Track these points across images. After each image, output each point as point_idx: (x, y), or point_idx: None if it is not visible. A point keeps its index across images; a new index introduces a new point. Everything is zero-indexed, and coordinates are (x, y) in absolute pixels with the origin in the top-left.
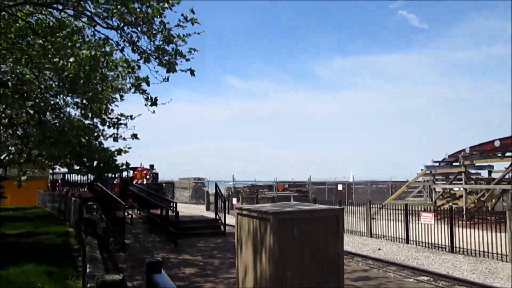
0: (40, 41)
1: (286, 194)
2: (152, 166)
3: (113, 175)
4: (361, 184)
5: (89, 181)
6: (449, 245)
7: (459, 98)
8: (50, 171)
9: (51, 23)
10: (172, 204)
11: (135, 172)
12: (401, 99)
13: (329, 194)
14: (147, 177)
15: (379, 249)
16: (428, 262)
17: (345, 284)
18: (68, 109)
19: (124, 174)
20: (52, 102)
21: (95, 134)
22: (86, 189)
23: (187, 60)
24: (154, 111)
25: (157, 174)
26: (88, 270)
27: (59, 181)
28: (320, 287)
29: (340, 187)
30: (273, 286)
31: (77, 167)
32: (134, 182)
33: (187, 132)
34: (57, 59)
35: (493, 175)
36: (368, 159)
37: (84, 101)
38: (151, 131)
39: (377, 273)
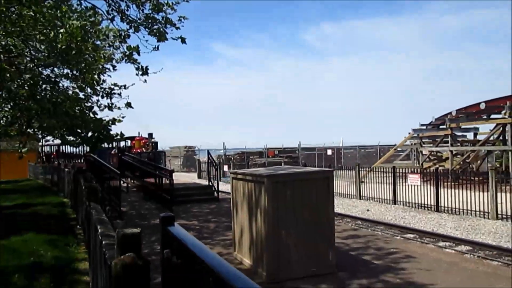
0: (31, 13)
1: (277, 160)
2: (150, 135)
3: (110, 145)
4: (350, 149)
5: (85, 152)
6: (435, 204)
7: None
8: (40, 144)
9: None
10: (166, 172)
11: (133, 142)
12: (390, 64)
13: (318, 159)
14: (147, 146)
15: (368, 210)
16: (414, 221)
17: (336, 242)
18: (61, 81)
19: (122, 144)
20: (45, 74)
21: (89, 104)
22: (82, 160)
23: (177, 28)
24: (145, 80)
25: (156, 143)
26: (100, 230)
27: (54, 153)
28: (312, 243)
29: (329, 152)
30: (268, 243)
31: (71, 138)
32: (133, 151)
33: (177, 100)
34: (47, 31)
35: (479, 137)
36: (357, 124)
37: (76, 72)
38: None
39: (366, 232)
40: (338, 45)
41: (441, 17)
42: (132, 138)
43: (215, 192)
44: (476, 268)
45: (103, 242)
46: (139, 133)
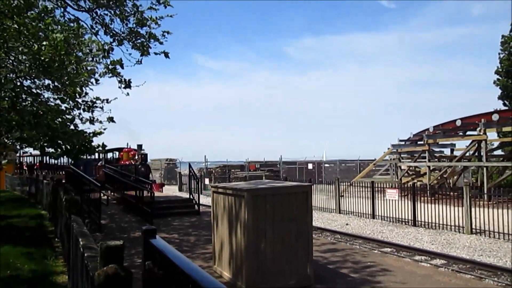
0: (15, 25)
1: (258, 174)
2: (140, 147)
3: (96, 157)
4: (331, 163)
5: (69, 163)
6: (412, 219)
7: (425, 78)
8: (18, 155)
9: (17, 3)
10: (147, 185)
11: (121, 153)
12: (370, 79)
13: (299, 173)
14: (136, 158)
15: (347, 224)
16: (392, 235)
17: (315, 255)
18: (43, 93)
19: (109, 155)
20: (26, 86)
21: (70, 117)
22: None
23: (161, 43)
24: (128, 94)
25: (146, 155)
26: (81, 242)
27: (37, 164)
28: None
29: (310, 166)
30: (248, 256)
31: (51, 150)
32: (121, 163)
33: (158, 113)
34: (31, 43)
35: (455, 152)
36: (339, 139)
37: (58, 85)
38: (126, 112)
39: (344, 245)
40: (318, 58)
41: (418, 33)
42: (120, 150)
43: (196, 205)
44: (448, 281)
45: (85, 254)
46: (127, 144)
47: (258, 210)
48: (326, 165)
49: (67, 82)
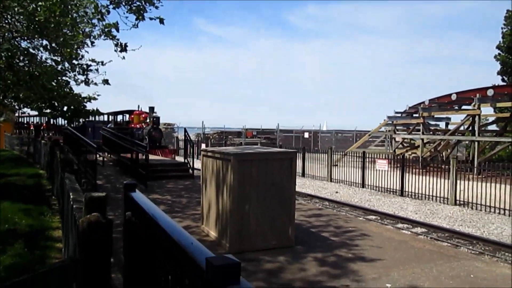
0: None
1: (254, 141)
2: (152, 109)
3: (106, 119)
4: (328, 133)
5: (76, 125)
6: (400, 189)
7: (428, 51)
8: (16, 115)
9: None
10: (142, 148)
11: (132, 116)
12: (373, 50)
13: (296, 141)
14: (147, 121)
15: (337, 192)
16: (378, 203)
17: (300, 220)
18: (39, 54)
19: (119, 118)
20: (23, 47)
21: (66, 79)
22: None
23: (156, 7)
24: (124, 57)
25: (158, 118)
26: (71, 196)
27: (44, 124)
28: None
29: (306, 135)
30: (232, 217)
31: (48, 111)
32: (132, 127)
33: (157, 76)
34: (27, 3)
35: (450, 126)
36: (341, 108)
37: (55, 46)
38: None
39: (330, 212)
40: (321, 27)
41: (425, 5)
42: (130, 112)
43: (190, 169)
44: (423, 246)
45: (74, 206)
46: (138, 106)
47: (244, 174)
48: (323, 134)
49: (62, 44)
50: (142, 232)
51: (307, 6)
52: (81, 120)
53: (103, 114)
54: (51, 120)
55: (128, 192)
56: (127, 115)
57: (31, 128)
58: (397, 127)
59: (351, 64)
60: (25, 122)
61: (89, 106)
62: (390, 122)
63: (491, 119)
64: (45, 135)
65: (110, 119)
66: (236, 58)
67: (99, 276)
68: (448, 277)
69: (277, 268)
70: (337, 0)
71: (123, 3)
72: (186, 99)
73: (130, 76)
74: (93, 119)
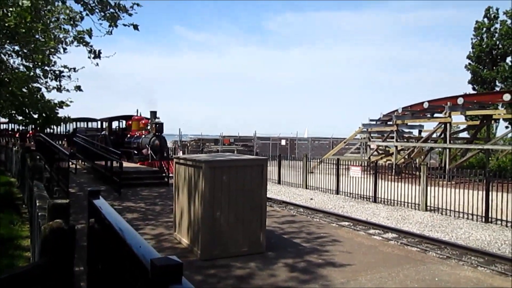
0: None
1: (231, 148)
2: (154, 114)
3: (99, 126)
4: (305, 140)
5: (65, 132)
6: (373, 196)
7: (402, 59)
8: None
9: None
10: (116, 155)
11: (129, 122)
12: (348, 58)
13: (273, 149)
14: (148, 128)
15: (311, 199)
16: (352, 210)
17: (273, 226)
18: (10, 60)
19: (114, 125)
20: None
21: (37, 85)
22: (62, 141)
23: (130, 14)
24: (97, 64)
25: (161, 125)
26: (38, 204)
27: (31, 131)
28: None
29: (283, 142)
30: (204, 224)
31: (20, 118)
32: (130, 135)
33: (134, 83)
34: None
35: (423, 134)
36: (322, 115)
37: (26, 51)
38: (96, 82)
39: (304, 218)
40: (299, 35)
41: (400, 14)
42: (128, 118)
43: (166, 177)
44: (391, 251)
45: (39, 214)
46: (137, 111)
47: (215, 181)
48: (300, 141)
49: (33, 50)
50: (103, 238)
51: (284, 15)
52: (71, 126)
53: (96, 120)
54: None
55: (91, 199)
56: (124, 121)
57: (16, 135)
58: (372, 135)
59: (328, 71)
60: (9, 129)
61: (62, 112)
62: (365, 129)
63: (462, 126)
64: (32, 143)
65: (104, 126)
66: (215, 64)
67: (62, 282)
68: (414, 280)
69: (247, 274)
70: (312, 11)
71: (97, 10)
72: (167, 104)
73: (114, 81)
74: (85, 125)
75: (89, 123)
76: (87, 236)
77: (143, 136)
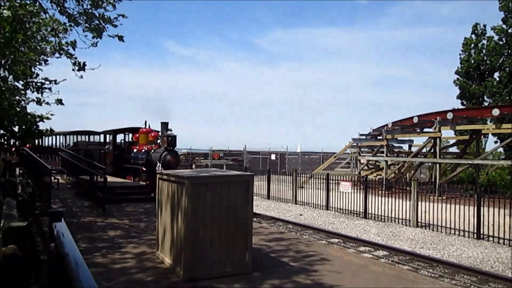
0: None
1: (220, 163)
2: (165, 126)
3: (103, 140)
4: (295, 155)
5: (65, 146)
6: (363, 211)
7: (391, 75)
8: None
9: None
10: (101, 170)
11: (136, 135)
12: (337, 74)
13: (263, 163)
14: (157, 142)
15: (301, 214)
16: (342, 226)
17: (260, 244)
18: None
19: (119, 139)
20: None
21: (17, 98)
22: (56, 156)
23: (115, 26)
24: (81, 76)
25: (174, 138)
26: (2, 224)
27: (28, 144)
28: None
29: (273, 156)
30: (187, 243)
31: (1, 132)
32: (136, 150)
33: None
34: None
35: (413, 148)
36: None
37: (5, 63)
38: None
39: (293, 235)
40: (288, 51)
41: (388, 32)
42: (134, 130)
43: (152, 193)
44: (382, 271)
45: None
46: (145, 122)
47: (198, 198)
48: (290, 156)
49: (12, 61)
50: (61, 266)
51: (274, 31)
52: (71, 140)
53: (98, 133)
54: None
55: (53, 222)
56: (130, 134)
57: (12, 150)
58: (362, 149)
59: (319, 86)
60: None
61: (43, 126)
62: (355, 144)
63: (451, 141)
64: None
65: (108, 139)
66: (204, 79)
67: None
68: None
69: None
70: (299, 27)
71: (82, 21)
72: (155, 118)
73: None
74: (86, 139)
75: (91, 137)
76: (48, 261)
77: (153, 150)
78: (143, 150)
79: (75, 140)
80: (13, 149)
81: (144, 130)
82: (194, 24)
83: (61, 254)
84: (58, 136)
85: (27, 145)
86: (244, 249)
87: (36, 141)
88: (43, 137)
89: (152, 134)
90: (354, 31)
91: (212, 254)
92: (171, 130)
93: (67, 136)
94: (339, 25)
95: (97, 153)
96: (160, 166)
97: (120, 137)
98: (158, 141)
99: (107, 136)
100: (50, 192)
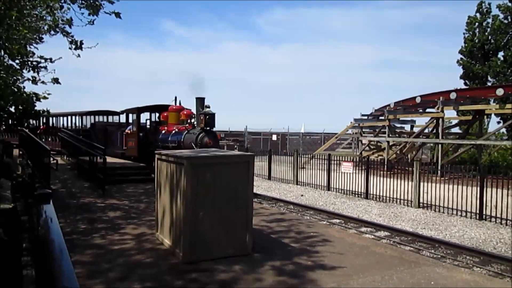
0: None
1: (221, 143)
2: (201, 102)
3: (120, 121)
4: (296, 135)
5: (82, 128)
6: (365, 192)
7: (392, 56)
8: None
9: None
10: (100, 151)
11: (165, 114)
12: (339, 55)
13: (264, 144)
14: (192, 121)
15: (302, 195)
16: (343, 207)
17: (261, 225)
18: None
19: (144, 118)
20: None
21: (14, 77)
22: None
23: (112, 2)
24: (79, 55)
25: (212, 116)
26: None
27: (43, 126)
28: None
29: (274, 137)
30: (186, 225)
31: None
32: (165, 131)
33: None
34: None
35: (415, 129)
36: (316, 110)
37: (1, 41)
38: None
39: (294, 216)
40: (289, 32)
41: (389, 11)
42: (162, 108)
43: (152, 174)
44: (384, 252)
45: None
46: (175, 99)
47: (197, 179)
48: (291, 137)
49: (6, 39)
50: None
51: (274, 11)
52: (88, 121)
53: (118, 113)
54: (48, 121)
55: (41, 204)
56: (157, 113)
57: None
58: (364, 130)
59: (321, 67)
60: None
61: (40, 106)
62: (357, 124)
63: (454, 121)
64: (43, 140)
65: (131, 120)
66: (205, 60)
67: None
68: (409, 284)
69: (231, 278)
70: (301, 7)
71: None
72: (157, 99)
73: (96, 76)
74: (104, 120)
75: (109, 117)
76: (32, 247)
77: (186, 131)
78: (173, 131)
79: (92, 121)
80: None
81: (174, 107)
82: (194, 5)
83: (44, 240)
84: (74, 117)
85: (42, 127)
86: (244, 230)
87: (50, 122)
88: (56, 117)
89: (185, 112)
90: (354, 11)
91: (212, 236)
92: (208, 107)
93: (83, 117)
94: (340, 5)
95: (116, 134)
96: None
97: (144, 117)
98: (192, 120)
99: (130, 115)
100: (49, 173)
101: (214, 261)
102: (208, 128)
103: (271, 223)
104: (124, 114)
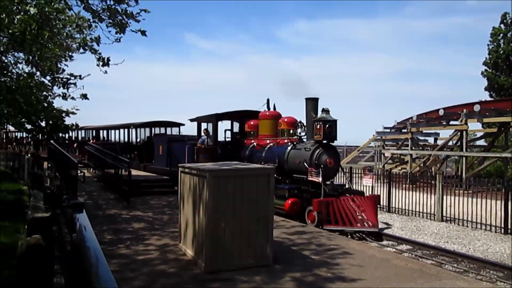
0: None
1: None
2: (314, 104)
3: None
4: None
5: (137, 143)
6: (387, 205)
7: (416, 67)
8: (4, 130)
9: None
10: (125, 164)
11: (252, 122)
12: (363, 66)
13: None
14: (297, 131)
15: None
16: None
17: (281, 237)
18: (16, 68)
19: (224, 127)
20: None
21: (44, 93)
22: (134, 154)
23: (137, 21)
24: (106, 72)
25: (334, 123)
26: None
27: (92, 140)
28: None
29: None
30: (208, 235)
31: (29, 127)
32: (253, 144)
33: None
34: (3, 16)
35: (439, 142)
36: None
37: (34, 59)
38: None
39: (314, 229)
40: (312, 43)
41: (413, 21)
42: (248, 116)
43: (175, 186)
44: (405, 265)
45: (26, 227)
46: (268, 102)
47: (219, 191)
48: None
49: (39, 57)
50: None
51: (296, 23)
52: (144, 134)
53: (182, 124)
54: (88, 135)
55: (75, 213)
56: (237, 123)
57: (74, 146)
58: (386, 142)
59: (344, 77)
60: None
61: (68, 121)
62: (379, 137)
63: (479, 134)
64: (77, 154)
65: (203, 131)
66: (227, 72)
67: None
68: None
69: None
70: (324, 19)
71: (105, 17)
72: (176, 113)
73: (124, 90)
74: (165, 132)
75: (168, 129)
76: (71, 252)
77: (290, 145)
78: (267, 146)
79: (148, 134)
80: (75, 146)
81: (266, 113)
82: (216, 19)
83: (81, 245)
84: (128, 129)
85: (92, 141)
86: (265, 241)
87: (101, 136)
88: (107, 130)
89: (286, 120)
90: (378, 22)
91: (233, 246)
92: (327, 112)
93: (138, 129)
94: (363, 16)
95: (183, 149)
96: (316, 173)
97: (224, 126)
98: (298, 131)
99: (205, 124)
100: (76, 185)
101: (235, 272)
102: (325, 142)
103: (292, 236)
104: (195, 122)
